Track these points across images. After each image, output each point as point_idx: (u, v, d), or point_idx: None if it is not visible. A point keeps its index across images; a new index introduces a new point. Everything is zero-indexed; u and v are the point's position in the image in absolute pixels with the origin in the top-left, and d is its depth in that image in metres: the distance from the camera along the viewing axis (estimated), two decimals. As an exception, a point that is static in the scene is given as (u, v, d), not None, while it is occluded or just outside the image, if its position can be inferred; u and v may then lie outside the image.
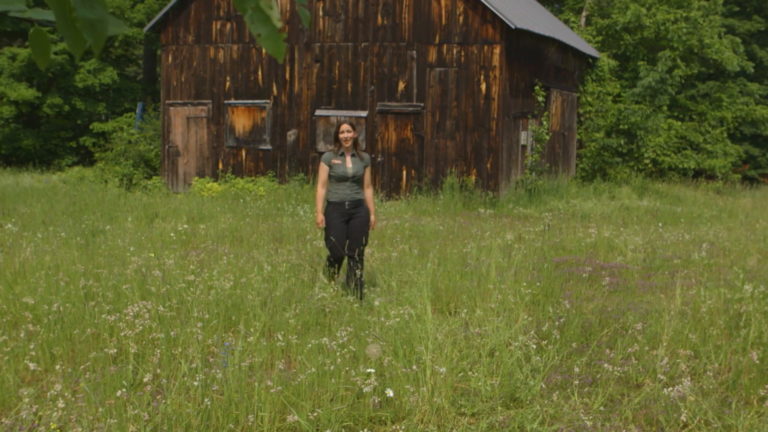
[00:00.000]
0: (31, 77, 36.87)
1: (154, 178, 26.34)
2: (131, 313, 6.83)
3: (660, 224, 17.06)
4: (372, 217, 9.63)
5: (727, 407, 5.86)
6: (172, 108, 25.98)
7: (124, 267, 9.62)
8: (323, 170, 9.50)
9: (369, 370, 5.44)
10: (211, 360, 6.67)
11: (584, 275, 10.28)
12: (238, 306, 8.12)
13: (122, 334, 6.59)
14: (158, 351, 6.29)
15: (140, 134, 28.32)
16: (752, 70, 37.58)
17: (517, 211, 21.07)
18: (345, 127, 9.41)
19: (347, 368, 5.96)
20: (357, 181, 9.45)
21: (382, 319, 7.31)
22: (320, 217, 9.49)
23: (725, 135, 36.24)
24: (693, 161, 33.52)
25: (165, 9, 25.61)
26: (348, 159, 9.42)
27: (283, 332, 7.08)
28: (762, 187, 36.39)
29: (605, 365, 6.21)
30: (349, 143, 9.38)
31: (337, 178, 9.39)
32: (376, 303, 7.91)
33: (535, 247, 13.02)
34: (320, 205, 9.51)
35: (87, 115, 37.98)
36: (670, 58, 31.58)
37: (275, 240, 13.84)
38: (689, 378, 6.12)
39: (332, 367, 5.95)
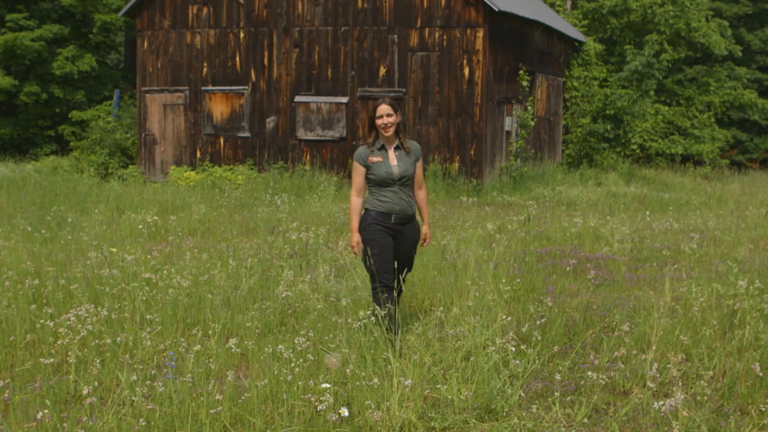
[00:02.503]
0: (8, 65, 36.05)
1: (130, 167, 25.69)
2: (73, 317, 6.25)
3: (648, 212, 16.56)
4: (425, 228, 7.31)
5: (723, 419, 5.35)
6: (148, 95, 25.31)
7: (81, 263, 9.04)
8: (358, 173, 7.00)
9: (325, 385, 4.89)
10: (162, 368, 6.11)
11: (568, 268, 9.75)
12: (198, 306, 7.56)
13: (60, 342, 6.01)
14: (98, 360, 5.72)
15: (117, 122, 27.62)
16: (740, 54, 37.11)
17: (501, 199, 20.54)
18: (384, 108, 6.89)
19: (305, 379, 5.42)
20: (407, 183, 7.02)
21: (349, 320, 6.76)
22: (356, 237, 6.98)
23: (713, 120, 35.79)
24: (680, 146, 33.06)
25: (140, -7, 24.91)
26: (391, 154, 7.00)
27: (240, 336, 6.52)
28: (750, 172, 36.01)
29: (589, 373, 5.67)
30: (391, 131, 6.92)
31: (377, 182, 6.96)
32: (343, 303, 7.35)
33: (518, 237, 12.48)
34: (356, 220, 7.00)
35: (65, 103, 37.19)
36: (657, 41, 31.07)
37: (248, 231, 13.26)
38: (681, 383, 5.60)
39: (290, 377, 5.40)
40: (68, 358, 5.67)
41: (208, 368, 5.96)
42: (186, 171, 24.32)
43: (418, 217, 7.34)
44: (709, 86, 36.37)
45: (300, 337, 5.77)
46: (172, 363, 5.40)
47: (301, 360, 5.47)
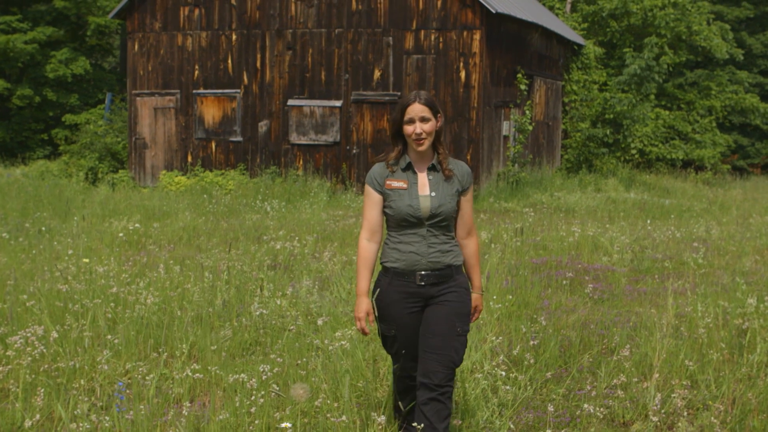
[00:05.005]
0: (1, 68, 35.54)
1: (120, 171, 25.14)
2: (20, 339, 5.72)
3: (648, 220, 16.03)
4: (475, 297, 4.91)
5: (734, 457, 4.83)
6: (138, 98, 24.79)
7: (44, 276, 8.51)
8: (372, 203, 4.79)
9: (285, 425, 4.36)
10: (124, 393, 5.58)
11: (565, 281, 9.22)
12: (168, 324, 7.03)
13: (1, 368, 5.49)
14: (41, 390, 5.19)
15: (108, 126, 27.08)
16: (741, 58, 36.59)
17: (498, 206, 20.01)
18: (417, 109, 4.67)
19: (271, 411, 4.90)
20: (442, 223, 4.73)
21: (326, 341, 6.24)
22: (364, 305, 4.72)
23: (714, 124, 35.23)
24: (681, 151, 32.52)
25: (130, -6, 24.40)
26: (422, 178, 4.75)
27: (205, 359, 6.00)
28: (752, 177, 35.48)
29: (585, 406, 5.14)
30: (426, 144, 4.70)
31: (397, 221, 4.74)
32: (320, 322, 6.82)
33: (512, 247, 11.96)
34: (365, 278, 4.77)
35: (59, 107, 36.66)
36: (657, 44, 30.55)
37: (232, 240, 12.74)
38: (686, 414, 5.08)
39: (253, 409, 4.88)
40: (8, 386, 5.15)
41: (168, 396, 5.44)
42: (177, 176, 23.78)
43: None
44: (710, 90, 35.84)
45: (265, 365, 5.24)
46: (122, 395, 4.87)
47: (263, 392, 4.94)
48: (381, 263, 4.80)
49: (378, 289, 4.76)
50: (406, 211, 4.67)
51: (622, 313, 8.17)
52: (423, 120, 4.67)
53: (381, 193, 4.76)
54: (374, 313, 4.71)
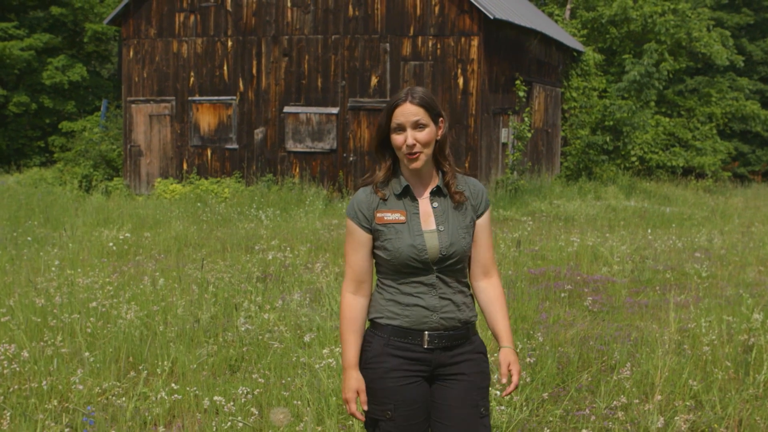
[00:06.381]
0: (-4, 75, 35.36)
1: (115, 179, 24.87)
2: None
3: (649, 229, 15.75)
4: (506, 353, 3.59)
5: (741, 486, 4.55)
6: (133, 105, 24.54)
7: (22, 290, 8.24)
8: (356, 244, 3.57)
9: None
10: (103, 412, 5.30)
11: (563, 294, 8.94)
12: (151, 340, 6.75)
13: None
14: (8, 413, 4.91)
15: (104, 133, 26.83)
16: (742, 65, 36.36)
17: (497, 214, 19.74)
18: (409, 110, 3.46)
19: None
20: (456, 266, 3.55)
21: (313, 358, 5.97)
22: (353, 381, 3.52)
23: (714, 131, 35.00)
24: (682, 159, 32.26)
25: (125, 0, 24.15)
26: (424, 206, 3.56)
27: (185, 379, 5.72)
28: (752, 185, 35.22)
29: (584, 431, 4.87)
30: (422, 160, 3.50)
31: (395, 267, 3.52)
32: (306, 339, 6.54)
33: (510, 257, 11.68)
34: (353, 346, 3.55)
35: (56, 114, 36.42)
36: (656, 51, 30.31)
37: (222, 250, 12.46)
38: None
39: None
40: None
41: (144, 418, 5.16)
42: (172, 184, 23.52)
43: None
44: (710, 97, 35.62)
45: (245, 387, 4.96)
46: (91, 420, 4.59)
47: (239, 417, 4.66)
48: (370, 319, 3.55)
49: (368, 354, 3.50)
50: (407, 254, 3.42)
51: (622, 327, 7.89)
52: (417, 126, 3.42)
53: (369, 230, 3.50)
54: (365, 390, 3.50)
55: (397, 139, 3.44)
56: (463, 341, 3.53)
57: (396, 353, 3.46)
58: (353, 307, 3.52)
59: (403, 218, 3.47)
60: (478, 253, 3.60)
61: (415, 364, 3.47)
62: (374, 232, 3.50)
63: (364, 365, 3.50)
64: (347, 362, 3.49)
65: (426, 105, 3.45)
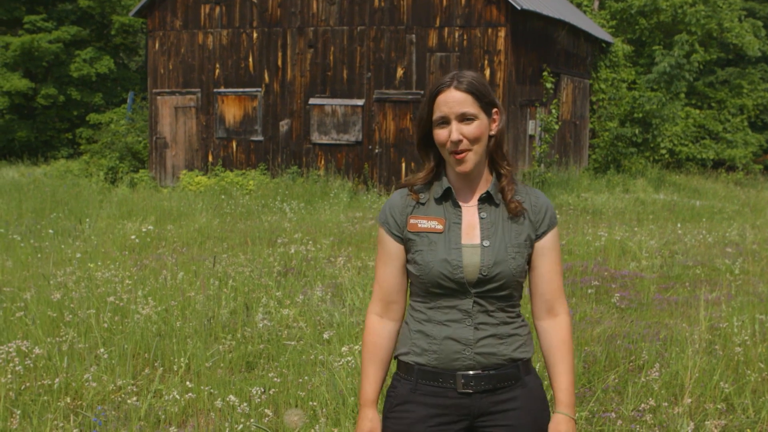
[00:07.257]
0: (26, 67, 35.47)
1: (141, 171, 24.89)
2: (1, 354, 5.36)
3: (678, 223, 15.47)
4: (559, 420, 2.81)
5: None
6: (159, 97, 24.53)
7: (38, 283, 8.16)
8: (386, 254, 2.91)
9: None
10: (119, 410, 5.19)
11: (590, 290, 8.74)
12: (168, 336, 6.64)
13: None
14: (18, 412, 4.81)
15: (130, 125, 26.86)
16: (774, 56, 35.85)
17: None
18: (454, 97, 2.80)
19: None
20: (500, 292, 2.80)
21: (332, 357, 5.83)
22: (367, 422, 2.89)
23: (746, 123, 34.52)
24: (712, 151, 31.84)
25: (151, -8, 24.13)
26: (469, 214, 2.86)
27: (201, 376, 5.60)
28: (784, 178, 34.70)
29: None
30: (471, 162, 2.82)
31: (427, 284, 2.82)
32: (326, 335, 6.40)
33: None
34: (374, 379, 2.93)
35: (83, 106, 36.57)
36: (687, 42, 29.88)
37: (246, 243, 12.35)
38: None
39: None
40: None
41: (158, 417, 5.05)
42: (197, 176, 23.48)
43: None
44: (741, 89, 35.11)
45: (259, 387, 4.82)
46: (100, 421, 4.48)
47: (253, 419, 4.53)
48: (396, 357, 2.92)
49: (392, 402, 2.89)
50: (438, 271, 2.77)
51: (651, 324, 7.68)
52: (464, 118, 2.79)
53: (401, 239, 2.88)
54: None
55: (441, 134, 2.81)
56: (512, 383, 2.82)
57: (425, 400, 2.81)
58: (377, 332, 2.91)
59: (440, 227, 2.81)
60: (539, 284, 2.89)
61: (448, 414, 2.81)
62: (406, 242, 2.86)
63: (387, 414, 2.89)
64: (363, 398, 2.91)
65: (476, 92, 2.82)
